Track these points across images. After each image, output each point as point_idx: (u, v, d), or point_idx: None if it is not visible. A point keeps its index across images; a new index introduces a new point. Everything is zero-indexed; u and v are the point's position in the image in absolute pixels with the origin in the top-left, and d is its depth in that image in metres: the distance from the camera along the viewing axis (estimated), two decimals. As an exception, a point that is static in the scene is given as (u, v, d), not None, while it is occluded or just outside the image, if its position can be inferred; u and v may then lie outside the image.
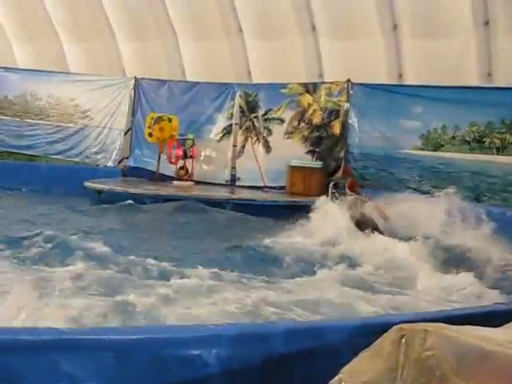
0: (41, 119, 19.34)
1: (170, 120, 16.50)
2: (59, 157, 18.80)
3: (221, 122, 16.61)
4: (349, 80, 15.01)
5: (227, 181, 16.32)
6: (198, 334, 4.00)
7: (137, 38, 19.21)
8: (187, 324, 5.55)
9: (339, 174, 15.02)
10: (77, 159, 18.52)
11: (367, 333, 4.30)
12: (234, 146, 16.43)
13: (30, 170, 17.56)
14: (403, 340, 2.59)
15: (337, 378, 2.61)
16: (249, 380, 4.05)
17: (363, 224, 10.64)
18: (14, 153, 19.53)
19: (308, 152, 15.50)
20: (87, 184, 15.31)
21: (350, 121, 15.04)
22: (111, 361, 3.72)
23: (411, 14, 14.83)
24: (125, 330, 3.99)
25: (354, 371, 2.57)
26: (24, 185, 16.48)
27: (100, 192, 15.13)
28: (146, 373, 3.82)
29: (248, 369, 4.03)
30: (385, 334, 2.75)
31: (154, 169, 16.72)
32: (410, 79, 15.06)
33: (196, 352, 3.90)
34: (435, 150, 14.13)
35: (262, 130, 16.11)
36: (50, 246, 8.89)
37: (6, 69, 20.39)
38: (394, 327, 2.73)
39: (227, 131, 16.59)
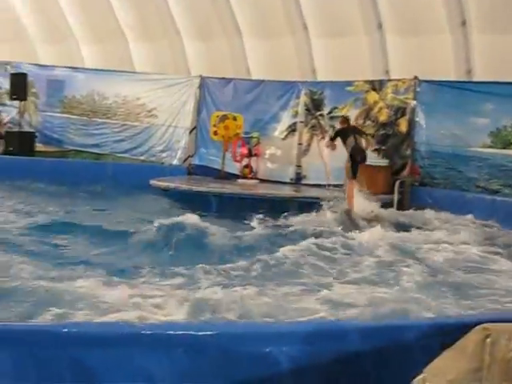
0: (108, 118, 19.60)
1: (235, 118, 16.51)
2: (125, 155, 19.04)
3: (286, 120, 16.55)
4: (416, 77, 14.78)
5: (292, 179, 16.24)
6: (269, 331, 3.97)
7: (202, 37, 19.32)
8: (260, 321, 5.53)
9: (405, 172, 14.81)
10: (142, 157, 18.71)
11: (440, 332, 4.22)
12: (300, 144, 16.35)
13: (97, 169, 17.77)
14: (488, 340, 2.50)
15: (421, 377, 2.54)
16: (319, 378, 4.00)
17: None
18: (81, 151, 19.84)
19: (374, 150, 15.29)
20: (153, 182, 15.40)
21: (417, 118, 14.81)
22: (184, 356, 3.71)
23: (480, 10, 14.55)
24: (198, 325, 3.97)
25: (438, 370, 2.49)
26: (91, 183, 16.59)
27: (165, 190, 15.22)
28: (218, 368, 3.80)
29: (319, 367, 3.97)
30: (468, 334, 2.66)
31: (218, 167, 16.76)
32: (478, 75, 14.76)
33: (267, 349, 3.85)
34: (505, 148, 13.82)
35: (327, 128, 15.98)
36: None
37: (74, 69, 20.75)
38: (478, 327, 2.64)
39: (292, 129, 16.52)
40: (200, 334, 3.80)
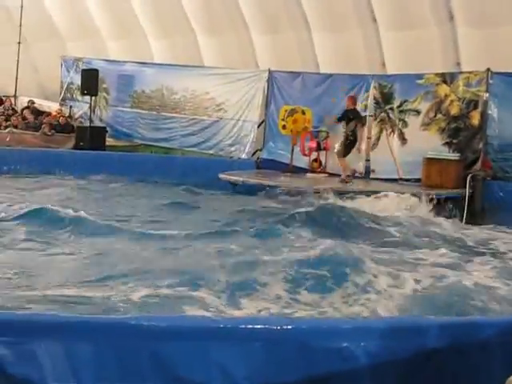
0: (176, 112, 19.77)
1: (303, 112, 16.46)
2: (194, 149, 19.17)
3: (355, 113, 16.39)
4: (488, 69, 14.46)
5: (361, 173, 16.10)
6: (347, 326, 3.94)
7: (270, 31, 19.30)
8: (336, 317, 5.51)
9: (477, 166, 14.54)
10: (211, 151, 18.80)
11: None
12: (369, 137, 16.18)
13: (167, 163, 17.95)
14: None
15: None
16: (396, 374, 3.96)
17: None
18: (150, 145, 20.07)
19: (445, 144, 15.07)
20: (222, 176, 15.49)
21: (490, 111, 14.50)
22: (260, 350, 3.72)
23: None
24: (274, 319, 3.97)
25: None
26: (161, 177, 16.74)
27: (235, 184, 15.29)
28: (294, 363, 3.80)
29: (396, 363, 3.93)
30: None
31: (287, 161, 16.74)
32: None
33: (345, 344, 3.84)
34: None
35: (397, 122, 15.79)
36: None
37: (143, 64, 20.99)
38: None
39: (362, 123, 16.35)
40: (276, 328, 3.81)
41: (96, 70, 20.20)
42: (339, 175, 15.69)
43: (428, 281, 7.47)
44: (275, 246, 8.94)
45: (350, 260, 7.85)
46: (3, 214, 10.44)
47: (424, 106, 15.42)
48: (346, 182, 14.91)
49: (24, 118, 21.02)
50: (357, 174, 16.00)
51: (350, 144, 15.33)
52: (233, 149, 18.38)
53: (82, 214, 10.34)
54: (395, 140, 15.80)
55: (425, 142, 15.16)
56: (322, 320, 4.32)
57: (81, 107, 21.74)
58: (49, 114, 21.56)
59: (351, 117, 15.33)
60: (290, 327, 3.79)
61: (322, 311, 6.21)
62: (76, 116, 21.71)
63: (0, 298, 6.11)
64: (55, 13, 23.89)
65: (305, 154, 16.54)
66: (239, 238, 9.64)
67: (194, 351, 3.60)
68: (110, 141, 20.22)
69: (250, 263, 7.90)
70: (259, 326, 3.77)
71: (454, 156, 14.75)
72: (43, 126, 20.20)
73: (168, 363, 3.57)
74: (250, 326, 3.76)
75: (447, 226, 11.95)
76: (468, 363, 4.06)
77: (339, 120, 15.58)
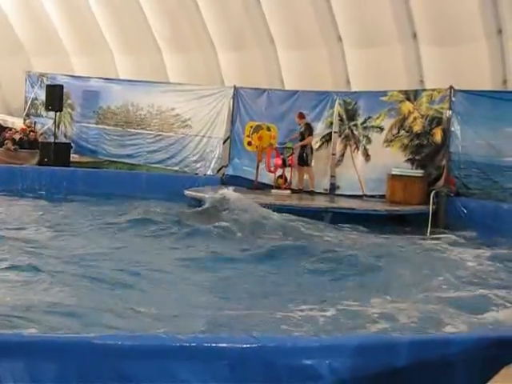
0: (142, 129, 19.71)
1: (268, 129, 16.54)
2: (159, 165, 19.11)
3: (320, 130, 16.50)
4: (451, 87, 14.66)
5: (326, 189, 16.19)
6: (312, 344, 3.95)
7: (235, 48, 19.39)
8: (301, 335, 5.52)
9: (441, 182, 14.70)
10: (176, 168, 18.76)
11: (483, 346, 4.19)
12: (333, 154, 16.30)
13: (131, 179, 17.84)
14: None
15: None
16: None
17: None
18: (115, 162, 19.96)
19: (408, 160, 15.23)
20: (187, 192, 15.44)
21: (453, 128, 14.69)
22: (226, 369, 3.71)
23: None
24: (239, 337, 3.96)
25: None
26: (125, 193, 16.56)
27: (200, 200, 15.24)
28: (259, 381, 3.79)
29: (362, 381, 3.95)
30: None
31: (252, 177, 16.76)
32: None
33: (309, 362, 3.84)
34: (542, 158, 13.68)
35: (361, 138, 15.93)
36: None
37: (109, 79, 20.92)
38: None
39: (326, 140, 16.47)
40: (241, 346, 3.81)
41: (61, 86, 20.08)
42: (304, 192, 15.81)
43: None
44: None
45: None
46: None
47: (387, 123, 15.58)
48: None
49: (-15, 135, 20.80)
50: (321, 190, 16.10)
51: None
52: (198, 165, 18.36)
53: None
54: (359, 156, 15.94)
55: (388, 158, 15.33)
56: (286, 338, 4.31)
57: (45, 123, 21.59)
58: (11, 129, 21.36)
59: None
60: (254, 345, 3.79)
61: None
62: (40, 132, 21.54)
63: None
64: (19, 28, 23.73)
65: (270, 171, 16.58)
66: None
67: (158, 370, 3.58)
68: (74, 157, 20.08)
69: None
70: (224, 345, 3.77)
71: (418, 172, 14.91)
72: (6, 141, 20.00)
73: (132, 382, 3.55)
74: (215, 345, 3.75)
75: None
76: (434, 380, 4.09)
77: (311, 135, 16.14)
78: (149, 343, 3.70)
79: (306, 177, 16.24)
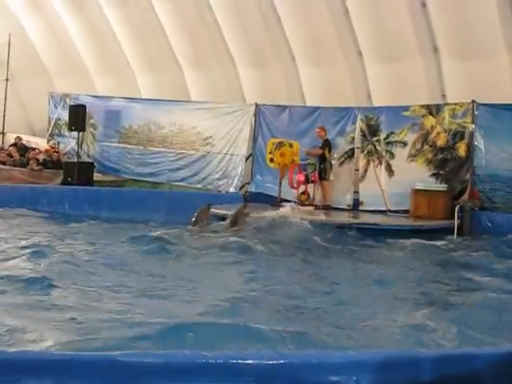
0: (164, 147, 19.78)
1: (290, 145, 16.49)
2: (182, 183, 19.15)
3: (342, 146, 16.46)
4: (474, 101, 14.59)
5: (350, 205, 16.13)
6: (339, 360, 3.90)
7: (256, 65, 19.45)
8: (328, 350, 5.47)
9: (465, 196, 14.60)
10: (199, 186, 18.79)
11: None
12: (356, 170, 16.25)
13: (154, 197, 17.84)
14: None
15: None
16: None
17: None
18: (138, 180, 20.04)
19: (432, 175, 15.15)
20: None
21: (476, 142, 14.61)
22: (253, 385, 3.68)
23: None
24: (265, 354, 3.92)
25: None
26: (147, 212, 16.52)
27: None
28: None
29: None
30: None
31: (275, 194, 16.73)
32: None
33: (336, 378, 3.80)
34: None
35: (384, 154, 15.87)
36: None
37: (131, 99, 21.05)
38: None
39: (349, 155, 16.43)
40: (267, 363, 3.77)
41: (83, 106, 20.24)
42: (328, 208, 15.78)
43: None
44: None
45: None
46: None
47: (410, 138, 15.52)
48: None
49: (10, 155, 20.98)
50: (345, 206, 16.06)
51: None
52: (221, 183, 18.38)
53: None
54: (382, 172, 15.87)
55: (412, 173, 15.24)
56: (312, 353, 4.26)
57: (68, 143, 21.76)
58: (34, 149, 21.55)
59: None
60: (281, 362, 3.75)
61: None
62: (63, 152, 21.71)
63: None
64: (42, 49, 24.01)
65: (293, 187, 16.54)
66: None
67: (185, 387, 3.56)
68: (97, 176, 20.20)
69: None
70: (250, 361, 3.73)
71: (442, 187, 14.83)
72: (30, 162, 20.16)
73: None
74: (241, 361, 3.71)
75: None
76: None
77: (322, 148, 16.20)
78: (174, 360, 3.68)
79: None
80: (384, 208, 15.59)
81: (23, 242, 11.46)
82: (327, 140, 16.17)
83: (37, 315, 6.99)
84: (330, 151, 16.12)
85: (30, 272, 9.01)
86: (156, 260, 10.83)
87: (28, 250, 10.53)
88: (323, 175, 15.99)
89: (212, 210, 15.32)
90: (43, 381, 3.44)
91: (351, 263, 11.15)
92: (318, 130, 16.30)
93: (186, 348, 4.40)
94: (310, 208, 16.05)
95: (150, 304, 7.77)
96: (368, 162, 16.16)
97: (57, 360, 3.58)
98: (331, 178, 16.07)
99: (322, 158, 16.05)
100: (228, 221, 14.28)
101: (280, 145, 16.55)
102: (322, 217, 14.96)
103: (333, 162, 16.21)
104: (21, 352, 3.87)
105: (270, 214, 14.61)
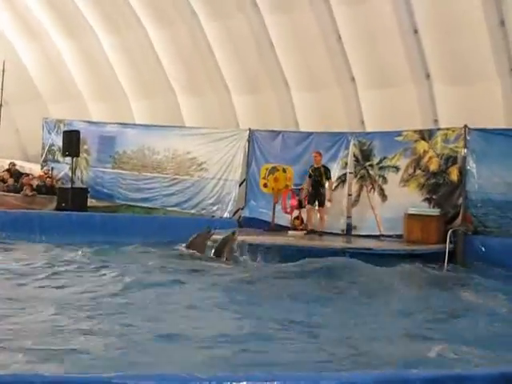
0: (158, 172, 19.80)
1: (284, 170, 16.56)
2: (176, 209, 19.15)
3: (335, 171, 16.49)
4: (466, 125, 14.66)
5: (343, 230, 16.14)
6: (331, 382, 3.92)
7: (249, 91, 19.58)
8: (321, 371, 5.48)
9: (458, 221, 14.64)
10: (193, 211, 18.79)
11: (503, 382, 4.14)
12: (349, 194, 16.29)
13: (147, 222, 17.86)
14: None
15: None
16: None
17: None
18: (132, 206, 20.05)
19: (425, 199, 15.19)
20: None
21: (468, 167, 14.65)
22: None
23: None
24: (258, 376, 3.92)
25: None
26: (141, 237, 16.48)
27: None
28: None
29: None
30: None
31: (269, 219, 16.75)
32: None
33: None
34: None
35: (377, 178, 15.92)
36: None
37: (125, 124, 21.11)
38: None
39: (342, 180, 16.47)
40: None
41: (77, 132, 20.28)
42: (322, 233, 15.79)
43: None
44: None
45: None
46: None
47: (403, 163, 15.57)
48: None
49: (3, 181, 20.99)
50: (338, 231, 16.07)
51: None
52: (215, 208, 18.39)
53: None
54: (375, 196, 15.91)
55: (405, 197, 15.29)
56: (305, 375, 4.27)
57: (62, 168, 21.78)
58: (28, 175, 21.57)
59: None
60: (274, 383, 3.76)
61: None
62: (57, 177, 21.72)
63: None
64: (37, 75, 24.13)
65: (286, 212, 16.58)
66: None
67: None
68: (91, 201, 20.19)
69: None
70: (244, 383, 3.74)
71: (435, 211, 14.86)
72: (24, 187, 20.17)
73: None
74: (235, 383, 3.73)
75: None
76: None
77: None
78: (167, 382, 3.69)
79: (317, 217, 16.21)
80: (377, 233, 15.61)
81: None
82: (325, 166, 16.12)
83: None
84: (328, 178, 16.03)
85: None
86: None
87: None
88: (321, 201, 15.97)
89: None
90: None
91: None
92: (314, 154, 16.22)
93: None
94: (300, 233, 16.01)
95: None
96: (361, 187, 16.20)
97: (51, 382, 3.59)
98: (327, 204, 16.06)
99: (320, 184, 15.99)
100: (213, 250, 14.24)
101: (273, 170, 16.62)
102: (315, 242, 15.00)
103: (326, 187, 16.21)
104: (14, 374, 3.87)
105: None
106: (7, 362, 6.20)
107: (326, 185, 15.97)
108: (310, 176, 16.09)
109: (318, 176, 15.96)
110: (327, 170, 16.03)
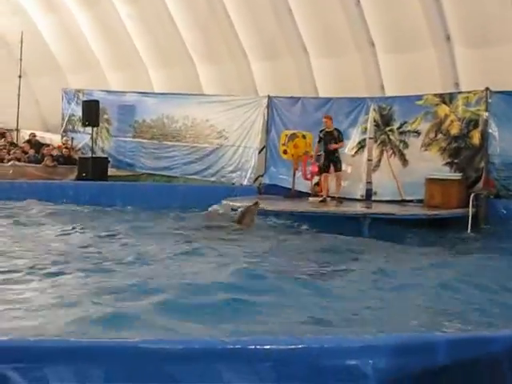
0: (177, 141, 19.83)
1: (304, 137, 16.50)
2: (196, 177, 19.21)
3: (355, 136, 16.40)
4: (487, 88, 14.50)
5: (363, 195, 16.07)
6: (356, 344, 3.93)
7: (268, 58, 19.44)
8: (345, 334, 5.50)
9: (480, 185, 14.54)
10: (213, 179, 18.84)
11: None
12: (369, 160, 16.20)
13: (168, 191, 17.90)
14: None
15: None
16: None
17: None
18: (152, 174, 20.12)
19: (446, 164, 15.08)
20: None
21: (490, 130, 14.51)
22: (270, 370, 3.71)
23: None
24: (283, 339, 3.95)
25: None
26: (163, 205, 16.54)
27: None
28: (304, 382, 3.78)
29: (406, 381, 3.92)
30: None
31: (289, 186, 16.75)
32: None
33: (354, 362, 3.82)
34: None
35: (397, 143, 15.82)
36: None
37: (144, 93, 21.12)
38: None
39: (362, 146, 16.38)
40: (285, 347, 3.80)
41: (97, 101, 20.30)
42: (342, 198, 15.72)
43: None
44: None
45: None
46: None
47: (424, 127, 15.44)
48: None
49: (24, 152, 21.10)
50: (358, 197, 16.01)
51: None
52: (234, 175, 18.41)
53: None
54: (396, 161, 15.80)
55: (426, 162, 15.19)
56: (330, 338, 4.29)
57: (82, 138, 21.85)
58: (48, 145, 21.66)
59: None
60: (299, 346, 3.78)
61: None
62: (77, 147, 21.81)
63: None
64: (55, 46, 24.14)
65: (306, 179, 16.55)
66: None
67: (203, 373, 3.59)
68: (112, 171, 20.27)
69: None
70: (267, 346, 3.76)
71: (456, 176, 14.76)
72: (45, 158, 20.26)
73: (176, 384, 3.57)
74: (259, 347, 3.75)
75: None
76: (477, 379, 4.05)
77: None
78: (193, 346, 3.72)
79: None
80: (398, 198, 15.55)
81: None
82: (337, 129, 15.89)
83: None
84: (341, 140, 15.87)
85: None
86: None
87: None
88: (338, 166, 15.88)
89: (225, 202, 15.30)
90: (63, 368, 3.48)
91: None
92: (324, 119, 15.97)
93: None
94: (316, 199, 15.90)
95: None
96: (381, 152, 16.10)
97: (76, 347, 3.63)
98: (343, 168, 15.97)
99: (335, 149, 15.89)
100: (236, 218, 14.16)
101: (293, 136, 16.57)
102: (335, 207, 14.98)
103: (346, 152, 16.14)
104: (40, 339, 3.91)
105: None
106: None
107: (338, 146, 15.77)
108: (319, 141, 15.91)
109: (332, 140, 15.80)
110: (340, 133, 15.88)
